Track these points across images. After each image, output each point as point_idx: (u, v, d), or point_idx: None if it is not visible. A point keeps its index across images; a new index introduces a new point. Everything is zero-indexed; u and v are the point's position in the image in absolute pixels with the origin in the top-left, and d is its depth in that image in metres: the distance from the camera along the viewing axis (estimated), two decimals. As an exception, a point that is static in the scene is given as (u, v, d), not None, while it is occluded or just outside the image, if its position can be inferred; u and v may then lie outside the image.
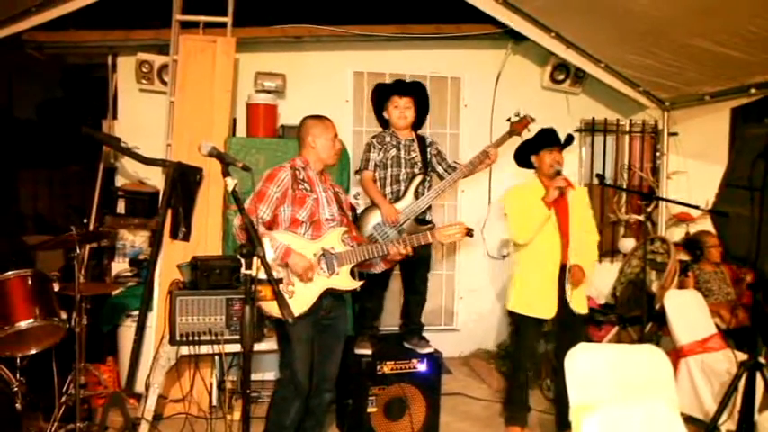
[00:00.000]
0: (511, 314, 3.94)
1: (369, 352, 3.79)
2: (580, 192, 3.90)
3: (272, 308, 2.91)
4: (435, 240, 3.29)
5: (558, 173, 3.69)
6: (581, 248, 3.75)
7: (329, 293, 3.13)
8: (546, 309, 3.72)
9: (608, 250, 5.70)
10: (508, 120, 3.91)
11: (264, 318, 3.15)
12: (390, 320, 4.60)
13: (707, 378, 3.87)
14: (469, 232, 3.27)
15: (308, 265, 3.01)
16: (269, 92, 4.73)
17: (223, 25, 4.49)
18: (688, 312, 4.14)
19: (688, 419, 3.69)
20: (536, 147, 3.82)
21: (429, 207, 3.90)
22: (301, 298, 3.03)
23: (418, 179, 3.84)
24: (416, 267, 3.90)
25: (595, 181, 4.25)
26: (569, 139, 3.88)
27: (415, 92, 3.95)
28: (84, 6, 4.40)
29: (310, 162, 3.22)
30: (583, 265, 3.73)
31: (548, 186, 3.71)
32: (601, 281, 5.59)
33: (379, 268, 3.37)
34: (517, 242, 3.82)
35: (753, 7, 3.46)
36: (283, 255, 2.98)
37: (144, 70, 4.76)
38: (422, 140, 3.97)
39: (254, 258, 2.16)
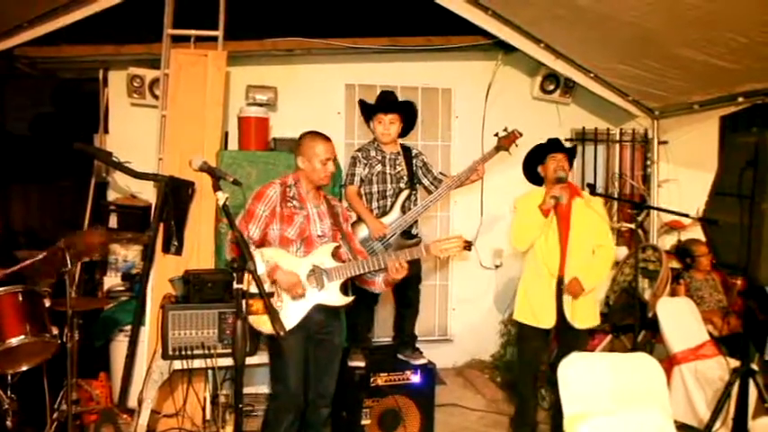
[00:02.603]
0: (517, 324, 3.91)
1: (362, 364, 3.79)
2: (590, 201, 3.78)
3: (261, 323, 2.91)
4: (430, 255, 3.18)
5: (560, 179, 3.62)
6: (586, 260, 3.68)
7: (321, 309, 3.11)
8: (546, 319, 3.67)
9: (600, 259, 5.72)
10: (496, 134, 3.92)
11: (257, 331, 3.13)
12: (383, 332, 4.60)
13: (700, 385, 3.88)
14: (468, 246, 3.17)
15: (295, 281, 3.00)
16: (260, 105, 4.74)
17: (214, 39, 4.50)
18: (680, 320, 4.15)
19: (682, 427, 3.71)
20: (541, 155, 3.79)
21: (415, 221, 3.90)
22: (289, 313, 3.03)
23: (405, 194, 3.85)
24: (408, 281, 3.83)
25: (587, 190, 4.26)
26: (572, 150, 3.91)
27: (401, 109, 3.94)
28: (76, 21, 4.40)
29: (301, 179, 3.19)
30: (589, 278, 3.64)
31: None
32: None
33: (378, 288, 3.34)
34: (514, 246, 3.81)
35: (738, 18, 3.50)
36: (270, 271, 2.99)
37: (135, 84, 4.77)
38: (407, 152, 3.98)
39: (246, 272, 2.16)
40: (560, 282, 3.66)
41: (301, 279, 3.05)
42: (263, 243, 3.11)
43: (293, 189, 3.15)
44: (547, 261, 3.67)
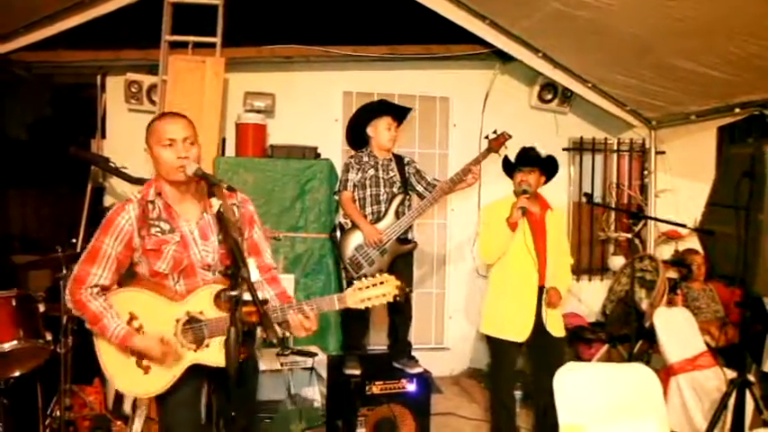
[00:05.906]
0: (486, 337, 3.81)
1: (357, 372, 3.77)
2: (558, 213, 3.84)
3: (120, 385, 2.40)
4: (344, 306, 2.40)
5: (525, 192, 3.55)
6: (557, 271, 3.69)
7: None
8: (518, 331, 3.58)
9: (597, 268, 5.72)
10: (486, 137, 3.94)
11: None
12: (378, 340, 4.58)
13: (697, 396, 3.86)
14: (403, 293, 2.44)
15: (163, 349, 2.23)
16: (258, 111, 4.75)
17: (212, 45, 4.50)
18: (678, 330, 4.13)
19: (678, 438, 3.69)
20: (513, 166, 3.75)
21: (411, 226, 3.90)
22: (158, 374, 2.29)
23: (398, 199, 3.85)
24: None
25: (583, 200, 4.26)
26: (548, 161, 3.72)
27: (404, 116, 4.05)
28: (73, 27, 4.41)
29: (164, 186, 2.33)
30: (562, 288, 3.68)
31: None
32: (591, 299, 5.59)
33: (303, 333, 2.38)
34: (482, 259, 3.75)
35: (731, 29, 3.51)
36: (121, 342, 2.25)
37: (133, 90, 4.77)
38: (399, 160, 3.99)
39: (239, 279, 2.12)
40: (541, 291, 3.60)
41: (170, 337, 2.26)
42: (121, 283, 2.38)
43: (157, 205, 2.31)
44: (522, 273, 3.60)
